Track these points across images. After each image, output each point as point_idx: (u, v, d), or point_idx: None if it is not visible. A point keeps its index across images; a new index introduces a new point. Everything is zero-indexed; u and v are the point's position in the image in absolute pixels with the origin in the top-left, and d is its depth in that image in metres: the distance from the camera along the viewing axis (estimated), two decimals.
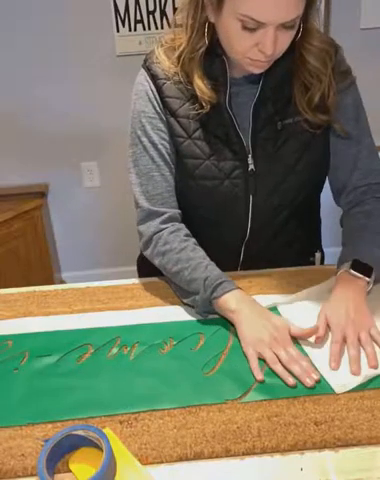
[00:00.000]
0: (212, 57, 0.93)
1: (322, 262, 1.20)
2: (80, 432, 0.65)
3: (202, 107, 0.95)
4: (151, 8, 2.06)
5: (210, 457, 0.66)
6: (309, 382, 0.74)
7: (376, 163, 1.04)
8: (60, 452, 0.65)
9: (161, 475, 0.64)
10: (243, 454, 0.66)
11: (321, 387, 0.75)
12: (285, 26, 0.81)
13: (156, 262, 1.00)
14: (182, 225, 1.02)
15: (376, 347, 0.81)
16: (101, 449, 0.63)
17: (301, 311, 0.91)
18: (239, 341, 0.84)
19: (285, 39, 0.84)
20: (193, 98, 0.96)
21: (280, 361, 0.78)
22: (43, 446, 0.64)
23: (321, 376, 0.76)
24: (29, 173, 2.31)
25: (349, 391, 0.74)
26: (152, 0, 2.04)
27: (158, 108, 0.98)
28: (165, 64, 0.97)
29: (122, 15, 2.06)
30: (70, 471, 0.64)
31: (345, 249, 0.98)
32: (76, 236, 2.49)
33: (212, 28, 0.89)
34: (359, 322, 0.84)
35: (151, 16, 2.06)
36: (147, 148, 1.00)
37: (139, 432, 0.69)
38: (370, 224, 0.99)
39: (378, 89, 2.01)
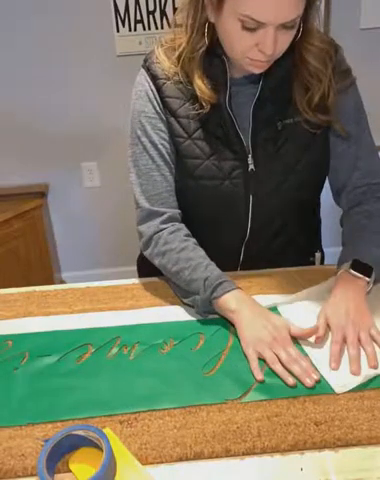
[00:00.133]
0: (212, 57, 0.93)
1: (322, 262, 1.20)
2: (80, 432, 0.65)
3: (202, 107, 0.95)
4: (151, 8, 2.06)
5: (210, 457, 0.66)
6: (309, 382, 0.74)
7: (376, 163, 1.04)
8: (60, 452, 0.65)
9: (161, 475, 0.64)
10: (243, 454, 0.66)
11: (321, 387, 0.75)
12: (285, 26, 0.81)
13: (156, 262, 1.00)
14: (182, 225, 1.02)
15: (376, 347, 0.81)
16: (101, 449, 0.63)
17: (301, 311, 0.91)
18: (239, 341, 0.84)
19: (285, 39, 0.84)
20: (193, 98, 0.96)
21: (280, 361, 0.78)
22: (43, 446, 0.64)
23: (321, 376, 0.76)
24: (29, 173, 2.31)
25: (349, 391, 0.74)
26: (152, 0, 2.04)
27: (158, 108, 0.98)
28: (165, 64, 0.97)
29: (122, 15, 2.06)
30: (70, 471, 0.64)
31: (345, 249, 0.98)
32: (76, 236, 2.49)
33: (212, 28, 0.89)
34: (359, 322, 0.84)
35: (151, 16, 2.07)
36: (147, 148, 1.00)
37: (139, 432, 0.69)
38: (370, 224, 0.99)
39: (378, 89, 2.00)
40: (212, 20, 0.87)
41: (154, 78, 0.98)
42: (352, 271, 0.90)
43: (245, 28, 0.81)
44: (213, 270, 0.92)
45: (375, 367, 0.77)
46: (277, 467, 0.64)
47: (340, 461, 0.64)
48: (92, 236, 2.49)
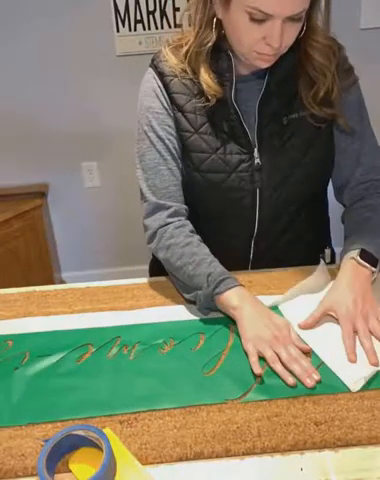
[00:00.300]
0: (218, 53, 0.95)
1: (333, 259, 1.20)
2: (80, 432, 0.65)
3: (208, 101, 0.96)
4: (151, 8, 2.06)
5: (210, 457, 0.66)
6: (309, 382, 0.74)
7: (379, 159, 1.05)
8: (60, 452, 0.65)
9: (161, 475, 0.64)
10: (243, 454, 0.66)
11: (321, 387, 0.75)
12: (292, 19, 0.83)
13: (160, 255, 1.01)
14: (188, 221, 1.02)
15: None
16: (101, 449, 0.63)
17: (303, 311, 0.90)
18: (239, 340, 0.84)
19: (292, 32, 0.86)
20: (199, 93, 0.97)
21: (280, 360, 0.78)
22: (43, 446, 0.64)
23: (334, 375, 0.76)
24: (29, 173, 2.31)
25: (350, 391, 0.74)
26: (152, 0, 2.04)
27: (165, 104, 1.00)
28: (172, 61, 0.98)
29: (122, 15, 2.06)
30: (70, 471, 0.64)
31: (349, 240, 0.98)
32: (76, 236, 2.49)
33: (219, 25, 0.91)
34: (368, 312, 0.84)
35: (151, 16, 2.07)
36: (154, 143, 1.00)
37: (139, 432, 0.69)
38: (374, 216, 1.00)
39: (378, 89, 2.00)
40: (219, 16, 0.89)
41: (161, 75, 0.99)
42: (360, 259, 0.91)
43: (253, 20, 0.83)
44: (216, 267, 0.93)
45: None
46: (277, 467, 0.64)
47: (340, 461, 0.64)
48: (92, 236, 2.49)
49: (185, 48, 0.96)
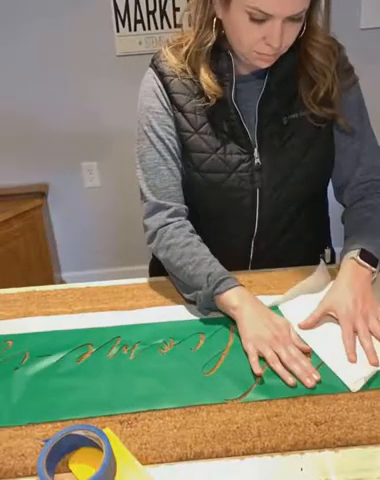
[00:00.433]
0: (218, 53, 0.95)
1: (333, 259, 1.20)
2: (80, 432, 0.65)
3: (208, 101, 0.96)
4: (151, 8, 2.05)
5: (210, 457, 0.66)
6: (309, 382, 0.74)
7: (379, 159, 1.05)
8: (60, 452, 0.65)
9: (161, 475, 0.64)
10: (243, 454, 0.66)
11: (321, 387, 0.75)
12: (292, 19, 0.83)
13: (160, 255, 1.01)
14: (188, 221, 1.02)
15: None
16: (101, 449, 0.63)
17: (303, 311, 0.90)
18: (239, 340, 0.84)
19: (292, 32, 0.86)
20: (200, 93, 0.97)
21: (280, 360, 0.78)
22: (43, 446, 0.64)
23: (334, 375, 0.76)
24: (29, 173, 2.31)
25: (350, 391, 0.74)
26: (152, 0, 2.04)
27: (165, 104, 1.00)
28: (172, 62, 0.98)
29: (122, 15, 2.06)
30: (70, 471, 0.64)
31: (349, 239, 0.98)
32: (76, 236, 2.49)
33: (219, 25, 0.91)
34: (368, 312, 0.84)
35: (151, 16, 2.06)
36: (154, 143, 1.00)
37: (139, 432, 0.69)
38: (374, 216, 1.00)
39: (378, 89, 2.00)
40: (219, 16, 0.89)
41: (161, 75, 0.99)
42: (360, 259, 0.91)
43: (253, 20, 0.83)
44: (216, 266, 0.93)
45: None
46: (277, 467, 0.64)
47: (340, 461, 0.64)
48: (92, 236, 2.49)
49: (185, 48, 0.96)
